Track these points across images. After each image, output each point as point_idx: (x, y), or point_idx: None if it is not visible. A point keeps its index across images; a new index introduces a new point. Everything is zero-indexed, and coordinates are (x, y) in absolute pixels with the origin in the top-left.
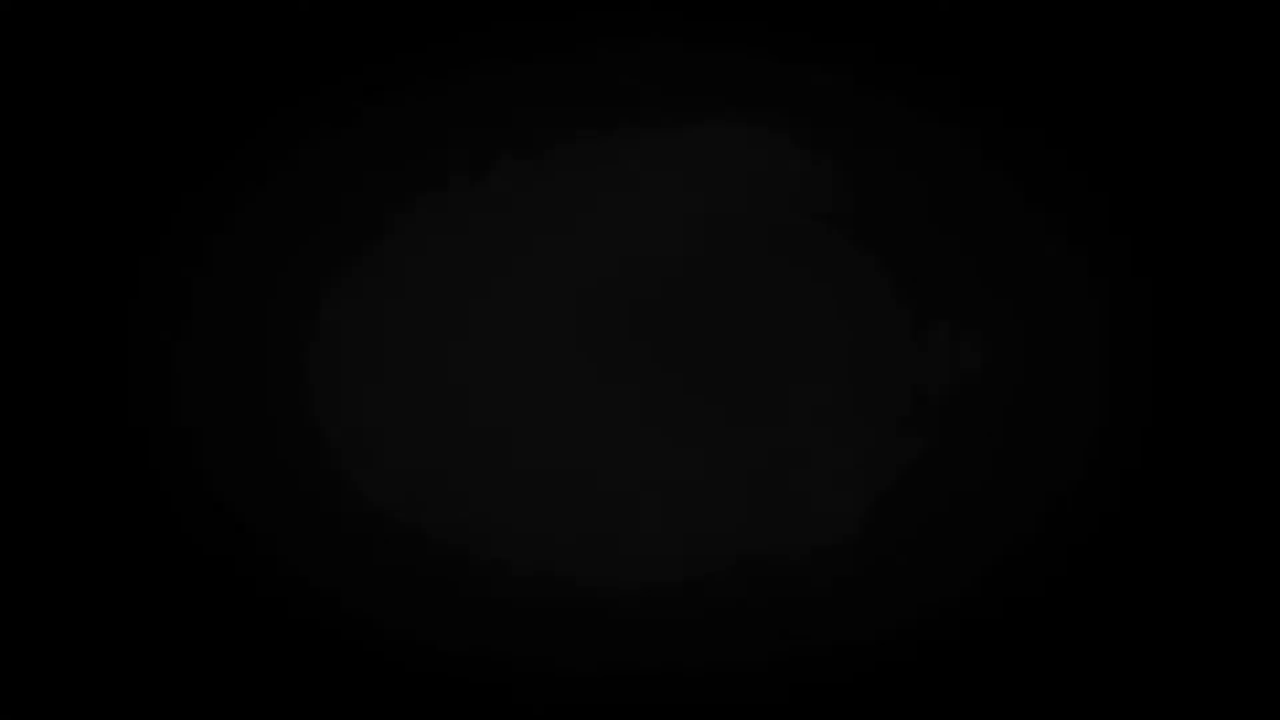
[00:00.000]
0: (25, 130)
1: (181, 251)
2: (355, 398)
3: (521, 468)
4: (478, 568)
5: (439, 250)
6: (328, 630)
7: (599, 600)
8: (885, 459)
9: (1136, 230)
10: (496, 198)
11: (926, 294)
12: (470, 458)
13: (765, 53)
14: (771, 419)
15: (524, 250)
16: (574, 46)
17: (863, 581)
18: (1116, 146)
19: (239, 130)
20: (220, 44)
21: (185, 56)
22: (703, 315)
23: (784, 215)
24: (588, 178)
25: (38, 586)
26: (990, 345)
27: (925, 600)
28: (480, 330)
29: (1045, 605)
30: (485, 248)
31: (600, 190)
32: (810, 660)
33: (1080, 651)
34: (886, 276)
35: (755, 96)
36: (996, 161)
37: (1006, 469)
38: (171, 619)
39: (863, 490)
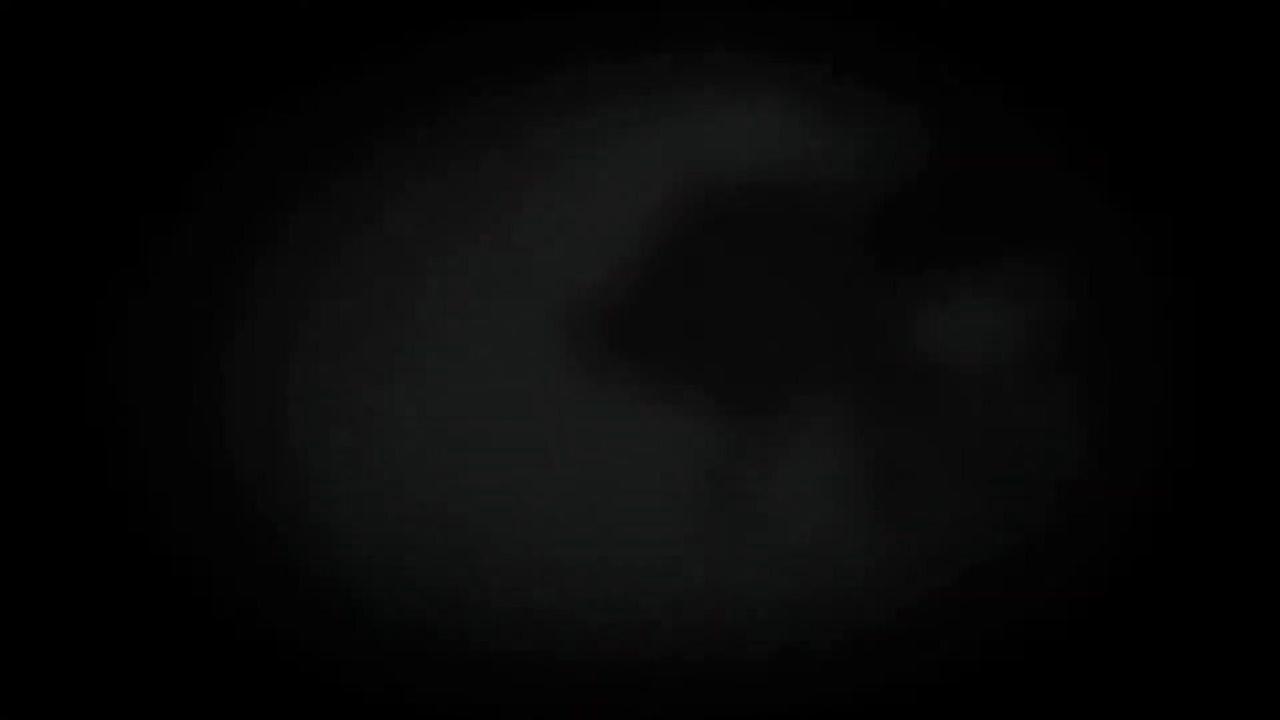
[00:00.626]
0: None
1: (125, 247)
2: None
3: (493, 489)
4: (445, 612)
5: (409, 240)
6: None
7: (575, 646)
8: (882, 457)
9: (1151, 226)
10: (465, 189)
11: (927, 288)
12: (437, 475)
13: (760, 41)
14: (765, 421)
15: (495, 246)
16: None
17: (855, 582)
18: (1131, 137)
19: (192, 115)
20: (168, 35)
21: (130, 47)
22: (691, 313)
23: (778, 207)
24: (563, 160)
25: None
26: (994, 337)
27: (927, 611)
28: (454, 338)
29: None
30: (456, 243)
31: (578, 173)
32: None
33: (1105, 661)
34: (887, 271)
35: (749, 81)
36: (1010, 150)
37: (1011, 466)
38: (126, 638)
39: (859, 490)
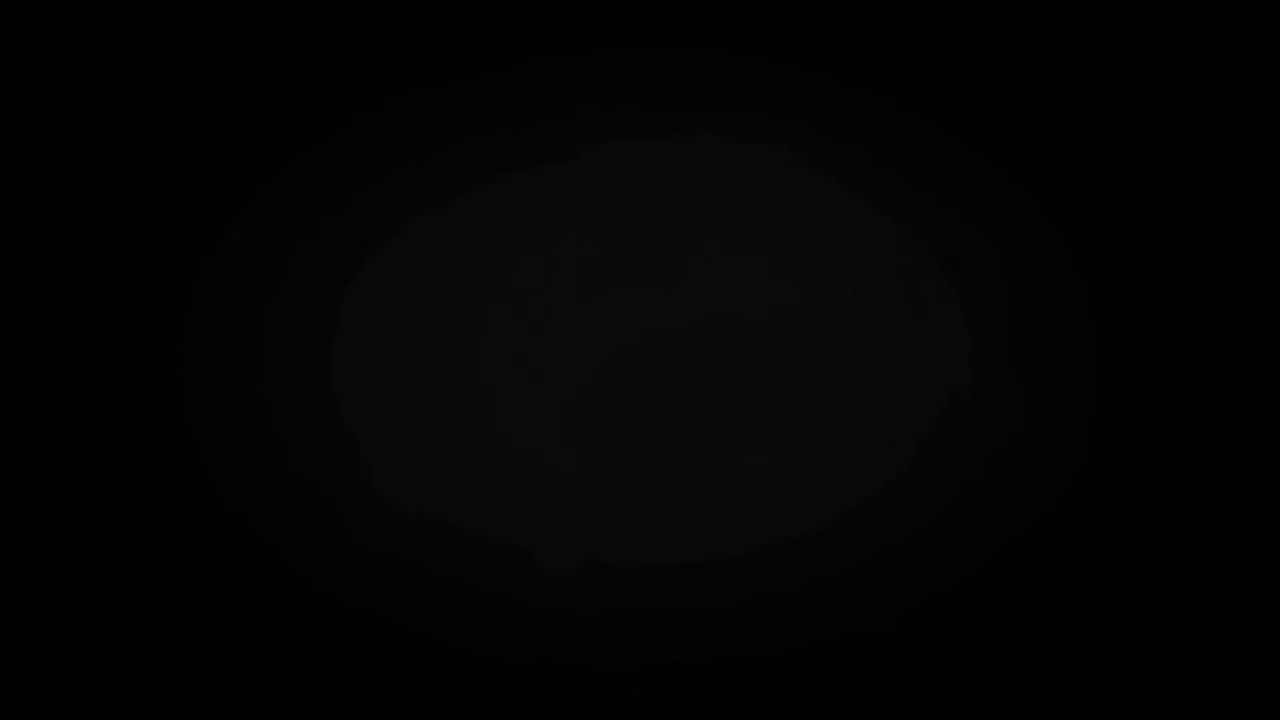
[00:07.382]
0: (36, 129)
1: (189, 249)
2: (366, 398)
3: (532, 466)
4: (491, 567)
5: (449, 252)
6: (337, 633)
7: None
8: (871, 468)
9: (1132, 235)
10: (505, 204)
11: (912, 301)
12: (479, 454)
13: (761, 62)
14: (763, 425)
15: (529, 254)
16: (577, 55)
17: (849, 580)
18: (1112, 151)
19: (249, 130)
20: (232, 45)
21: (199, 56)
22: (693, 319)
23: (771, 223)
24: (592, 182)
25: (39, 587)
26: (980, 356)
27: (912, 598)
28: (491, 331)
29: (1032, 607)
30: (494, 252)
31: (602, 192)
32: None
33: (1067, 655)
34: (874, 283)
35: (747, 105)
36: (988, 165)
37: (995, 477)
38: (177, 621)
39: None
